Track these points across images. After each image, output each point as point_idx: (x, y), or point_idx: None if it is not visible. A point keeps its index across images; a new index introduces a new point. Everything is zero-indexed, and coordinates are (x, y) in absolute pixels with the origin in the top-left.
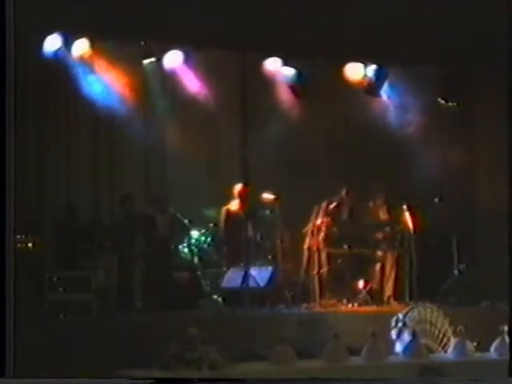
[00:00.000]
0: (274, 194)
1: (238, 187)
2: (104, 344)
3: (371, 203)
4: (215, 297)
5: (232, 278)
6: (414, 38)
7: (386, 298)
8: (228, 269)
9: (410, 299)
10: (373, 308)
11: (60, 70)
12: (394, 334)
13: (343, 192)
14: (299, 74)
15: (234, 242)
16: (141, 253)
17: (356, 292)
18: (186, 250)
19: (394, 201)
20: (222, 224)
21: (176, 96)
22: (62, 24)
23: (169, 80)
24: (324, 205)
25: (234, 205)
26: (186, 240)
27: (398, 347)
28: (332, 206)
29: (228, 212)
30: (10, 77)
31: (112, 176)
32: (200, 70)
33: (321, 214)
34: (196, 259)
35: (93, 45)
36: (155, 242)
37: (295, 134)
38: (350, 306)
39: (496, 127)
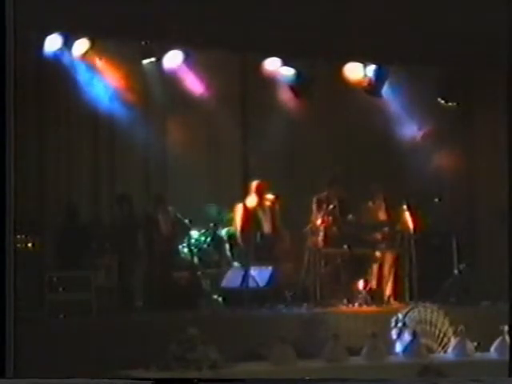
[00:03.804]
0: (273, 193)
1: (254, 184)
2: (104, 344)
3: (371, 203)
4: (215, 297)
5: (232, 277)
6: (413, 38)
7: (385, 298)
8: (233, 267)
9: (410, 299)
10: (373, 308)
11: (60, 69)
12: (394, 333)
13: (343, 192)
14: (299, 74)
15: (247, 238)
16: (141, 253)
17: (356, 292)
18: (185, 250)
19: (393, 201)
20: (237, 221)
21: (176, 96)
22: (62, 24)
23: (169, 80)
24: (324, 205)
25: (249, 202)
26: (186, 240)
27: (398, 347)
28: (332, 205)
29: (243, 208)
30: (9, 76)
31: (112, 176)
32: (200, 70)
33: (321, 213)
34: (196, 259)
35: (93, 45)
36: (155, 241)
37: (295, 134)
38: (349, 306)
39: (496, 127)
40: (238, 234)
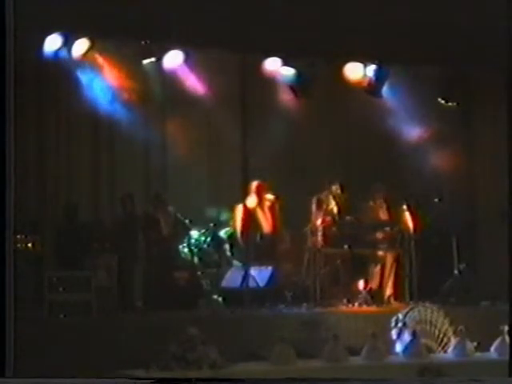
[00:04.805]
0: (273, 193)
1: (254, 184)
2: (104, 344)
3: (371, 203)
4: (215, 297)
5: (232, 277)
6: (414, 38)
7: (386, 298)
8: (233, 267)
9: (410, 299)
10: (373, 308)
11: (60, 70)
12: (394, 333)
13: (343, 192)
14: (299, 74)
15: (247, 238)
16: (141, 253)
17: (356, 292)
18: (185, 250)
19: (393, 201)
20: (237, 221)
21: (176, 96)
22: (62, 24)
23: (169, 80)
24: (324, 205)
25: (249, 202)
26: (186, 240)
27: (398, 347)
28: (332, 205)
29: (243, 209)
30: (10, 77)
31: (112, 176)
32: (200, 70)
33: (321, 213)
34: (196, 259)
35: (93, 45)
36: (155, 241)
37: (295, 134)
38: (350, 306)
39: (496, 127)
40: (238, 234)
